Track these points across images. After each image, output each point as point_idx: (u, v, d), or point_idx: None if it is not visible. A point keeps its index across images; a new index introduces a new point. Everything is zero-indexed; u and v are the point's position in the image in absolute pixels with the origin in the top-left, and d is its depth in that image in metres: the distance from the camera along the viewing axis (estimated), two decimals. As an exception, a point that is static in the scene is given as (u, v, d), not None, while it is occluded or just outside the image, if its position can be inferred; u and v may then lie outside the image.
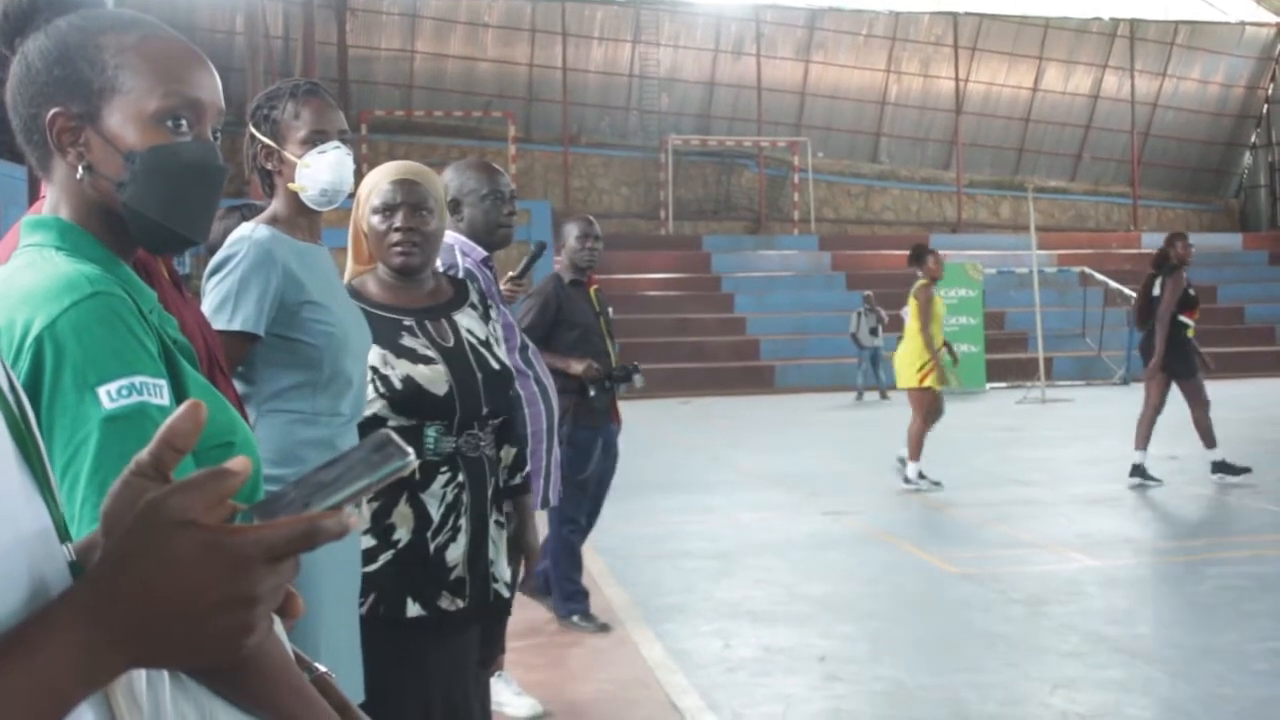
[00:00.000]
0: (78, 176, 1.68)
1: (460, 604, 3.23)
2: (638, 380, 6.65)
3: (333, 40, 31.91)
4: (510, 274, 5.24)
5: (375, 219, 3.27)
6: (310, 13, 27.60)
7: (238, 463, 0.92)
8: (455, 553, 3.23)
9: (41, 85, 1.68)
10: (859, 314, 24.05)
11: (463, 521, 3.26)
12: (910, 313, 11.40)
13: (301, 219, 2.94)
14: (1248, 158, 41.39)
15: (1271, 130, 40.34)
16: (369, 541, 3.13)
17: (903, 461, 11.52)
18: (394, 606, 3.14)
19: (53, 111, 1.66)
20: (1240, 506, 10.06)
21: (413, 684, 3.17)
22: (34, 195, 1.78)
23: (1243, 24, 38.62)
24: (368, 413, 3.14)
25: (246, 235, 2.83)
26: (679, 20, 35.87)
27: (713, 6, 35.93)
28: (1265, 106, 40.36)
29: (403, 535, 3.17)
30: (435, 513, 3.21)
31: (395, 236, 3.25)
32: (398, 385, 3.17)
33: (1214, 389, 11.34)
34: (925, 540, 8.85)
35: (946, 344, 11.43)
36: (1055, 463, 13.19)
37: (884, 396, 23.58)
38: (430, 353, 3.25)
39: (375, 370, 3.15)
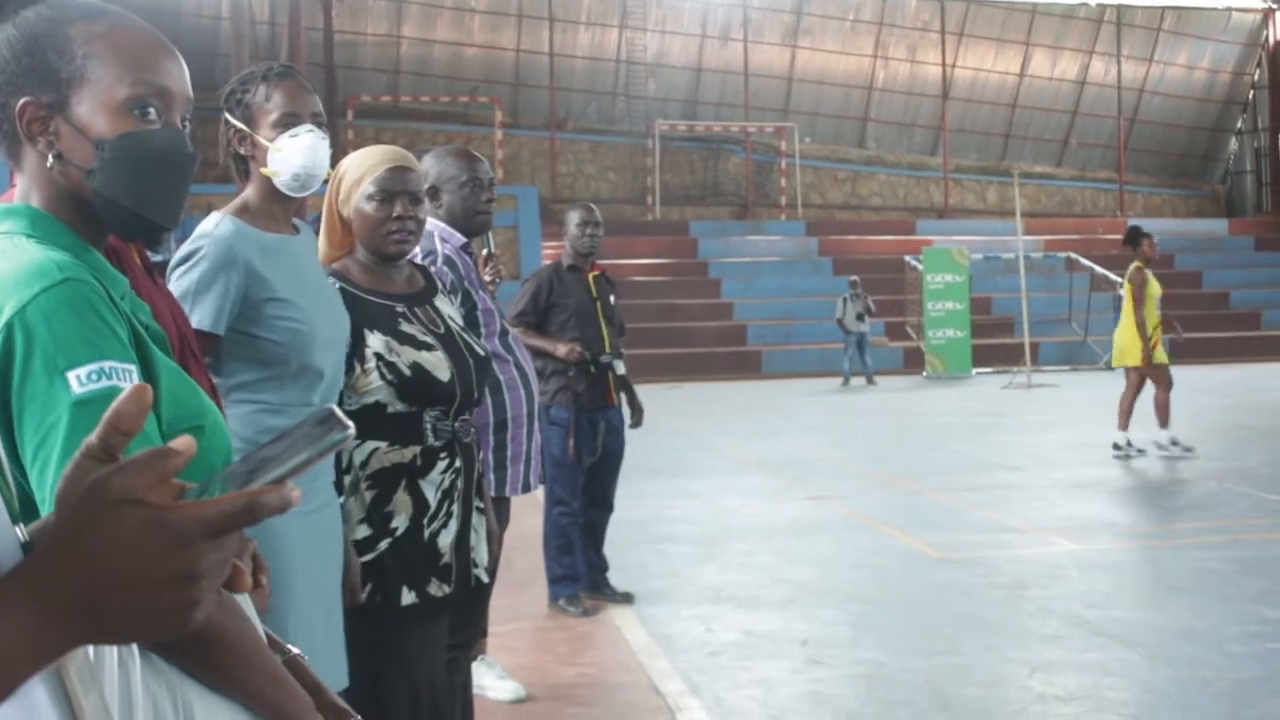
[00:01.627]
0: (48, 165, 1.69)
1: (446, 590, 3.23)
2: (618, 366, 6.69)
3: (319, 26, 31.76)
4: (485, 251, 5.24)
5: (370, 205, 3.21)
6: (296, -2, 27.48)
7: (181, 442, 0.93)
8: (446, 539, 3.23)
9: (10, 75, 1.68)
10: (845, 299, 24.04)
11: (455, 508, 3.27)
12: (1125, 293, 11.95)
13: (275, 206, 2.89)
14: (1234, 143, 41.46)
15: (1258, 116, 40.40)
16: (365, 531, 3.12)
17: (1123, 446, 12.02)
18: (391, 595, 3.13)
19: (22, 101, 1.67)
20: (1221, 491, 10.11)
21: (400, 670, 3.17)
22: (4, 183, 1.79)
23: (1229, 9, 38.66)
24: (369, 400, 3.14)
25: (209, 232, 2.79)
26: (666, 5, 35.80)
27: (700, -9, 35.89)
28: (1251, 92, 40.42)
29: (400, 523, 3.16)
30: (433, 500, 3.21)
31: (394, 225, 3.23)
32: (406, 372, 3.15)
33: (1199, 374, 11.44)
34: (908, 525, 8.88)
35: (1166, 320, 11.98)
36: (1039, 447, 13.24)
37: (870, 382, 23.62)
38: (429, 339, 3.24)
39: (380, 357, 3.13)
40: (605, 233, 7.16)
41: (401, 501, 3.16)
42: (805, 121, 36.56)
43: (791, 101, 37.01)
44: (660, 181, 34.61)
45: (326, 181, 3.10)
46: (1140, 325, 11.57)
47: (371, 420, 3.12)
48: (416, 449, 3.18)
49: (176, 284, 2.72)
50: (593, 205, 6.95)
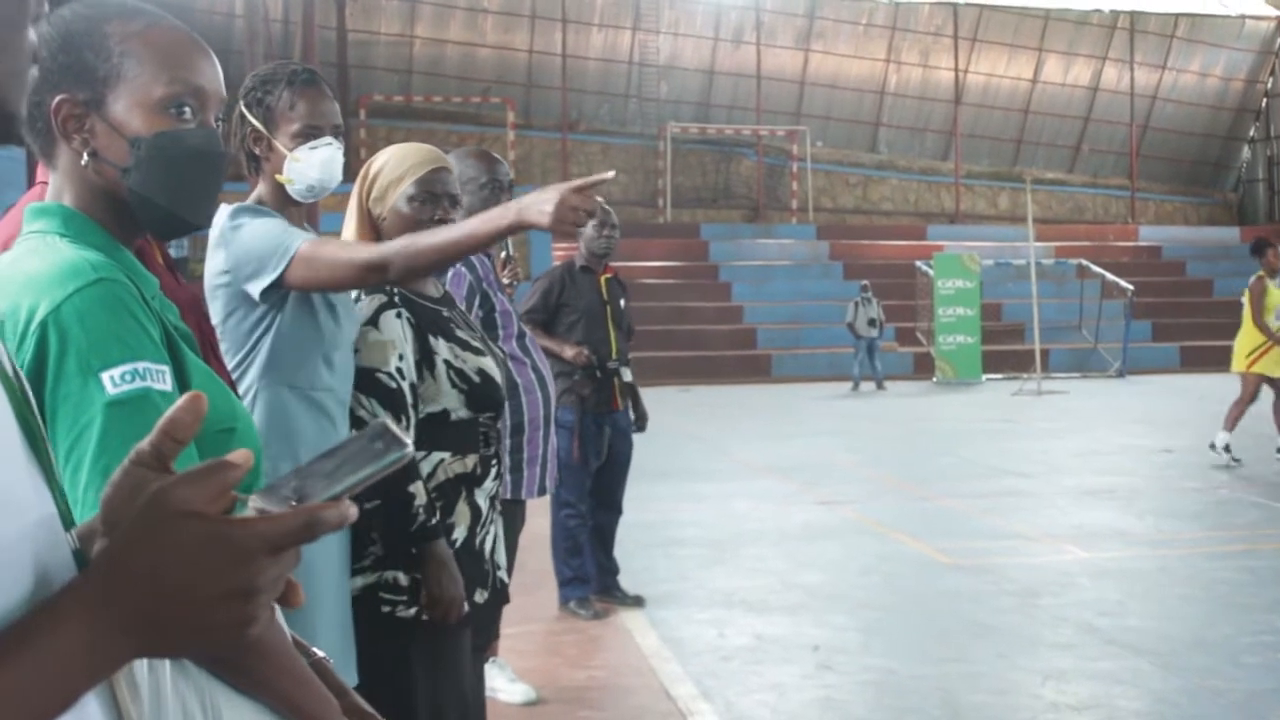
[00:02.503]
0: (83, 163, 1.70)
1: (485, 595, 3.22)
2: (625, 374, 6.68)
3: (332, 25, 31.81)
4: (504, 254, 5.27)
5: (412, 206, 3.15)
6: (310, -3, 27.51)
7: (240, 455, 0.93)
8: (488, 545, 3.23)
9: (46, 73, 1.69)
10: (856, 304, 24.03)
11: (495, 514, 3.27)
12: (1245, 302, 12.18)
13: (290, 207, 2.89)
14: (1246, 151, 41.36)
15: (1270, 124, 40.31)
16: None
17: None
18: (462, 607, 3.09)
19: (58, 99, 1.68)
20: (1234, 500, 10.09)
21: (452, 681, 3.15)
22: (32, 178, 1.79)
23: (1243, 17, 38.58)
24: (434, 408, 3.10)
25: (244, 206, 2.82)
26: (679, 8, 35.80)
27: (713, -6, 35.87)
28: (1264, 100, 40.33)
29: (460, 534, 3.13)
30: (484, 507, 3.20)
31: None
32: (475, 379, 3.13)
33: (1209, 382, 11.42)
34: (918, 531, 8.87)
35: None
36: (1050, 455, 13.21)
37: (880, 387, 23.59)
38: (479, 345, 3.23)
39: (449, 364, 3.10)
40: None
41: (462, 512, 3.14)
42: (817, 125, 36.53)
43: (804, 105, 37.00)
44: (672, 184, 34.60)
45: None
46: (1264, 331, 11.72)
47: (434, 430, 3.09)
48: (475, 457, 3.16)
49: (251, 235, 2.72)
50: (609, 207, 6.94)
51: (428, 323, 3.13)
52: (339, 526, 0.91)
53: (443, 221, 3.15)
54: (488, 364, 3.19)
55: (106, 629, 0.88)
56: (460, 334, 3.19)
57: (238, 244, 2.72)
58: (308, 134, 2.83)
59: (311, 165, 2.82)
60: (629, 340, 6.89)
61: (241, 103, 2.86)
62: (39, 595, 0.92)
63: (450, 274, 4.16)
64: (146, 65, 1.70)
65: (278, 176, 2.82)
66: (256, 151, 2.86)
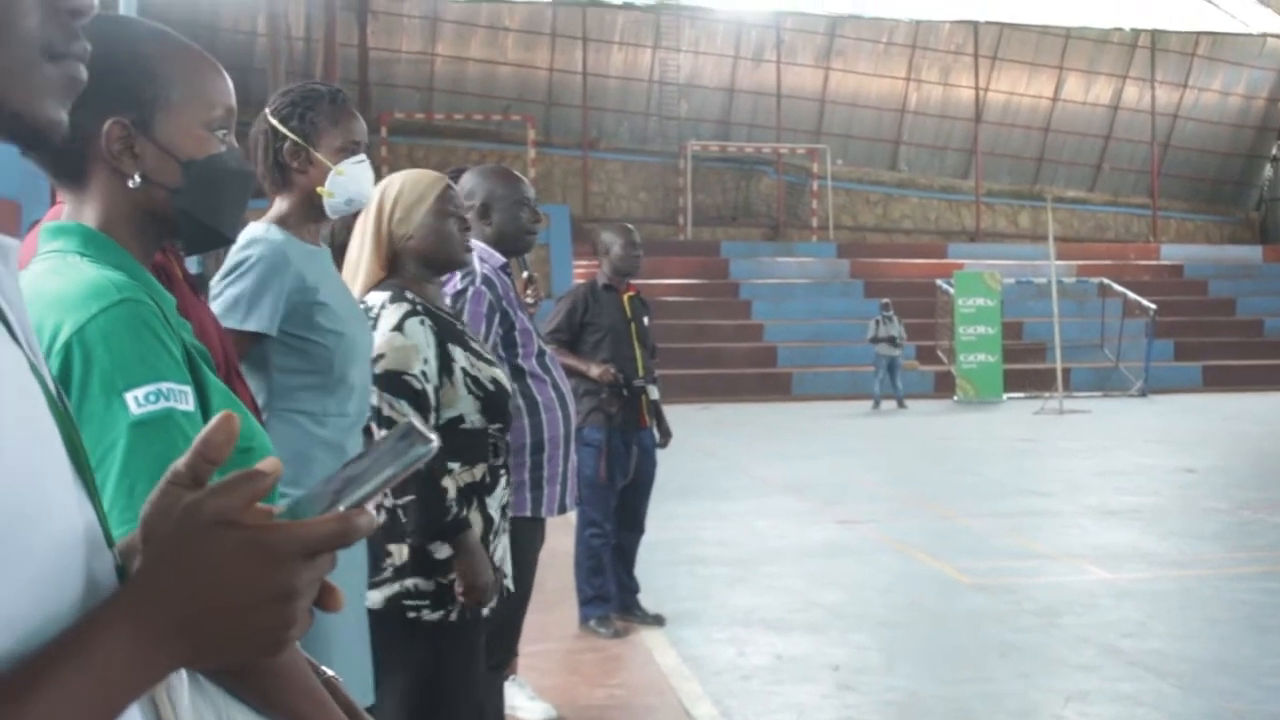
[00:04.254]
0: (131, 185, 1.71)
1: (494, 604, 3.29)
2: (652, 391, 6.68)
3: (354, 42, 31.96)
4: (526, 274, 5.30)
5: (444, 221, 3.32)
6: (332, 15, 27.65)
7: (269, 464, 0.95)
8: (499, 554, 3.31)
9: (88, 93, 1.69)
10: (877, 321, 23.99)
11: (505, 523, 3.36)
12: None
13: (310, 223, 2.94)
14: (1268, 170, 41.23)
15: (1292, 143, 40.20)
16: (447, 550, 3.16)
17: None
18: (470, 613, 3.19)
19: (111, 121, 1.69)
20: (1256, 521, 10.03)
21: (467, 688, 3.24)
22: (55, 196, 1.81)
23: (1264, 36, 38.46)
24: (450, 414, 3.21)
25: (260, 237, 2.83)
26: (699, 26, 35.89)
27: (733, 13, 35.92)
28: (1286, 119, 40.23)
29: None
30: (495, 515, 3.29)
31: (464, 239, 3.41)
32: (490, 387, 3.25)
33: (1232, 402, 11.37)
34: (939, 550, 8.84)
35: None
36: (1071, 474, 13.16)
37: (900, 405, 23.54)
38: (491, 357, 3.36)
39: (466, 372, 3.22)
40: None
41: (474, 521, 3.22)
42: (837, 143, 36.55)
43: (824, 123, 37.03)
44: (692, 202, 34.63)
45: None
46: None
47: (447, 438, 3.17)
48: (484, 466, 3.25)
49: (230, 289, 2.76)
50: (631, 227, 6.97)
51: (446, 331, 3.24)
52: (369, 532, 0.93)
53: (466, 230, 3.38)
54: (500, 375, 3.31)
55: (149, 640, 0.89)
56: (474, 345, 3.32)
57: (223, 296, 2.77)
58: (349, 149, 2.91)
59: (355, 180, 2.90)
60: (653, 358, 6.89)
61: (274, 118, 2.89)
62: (89, 602, 0.94)
63: (470, 291, 4.16)
64: (191, 88, 1.75)
65: (319, 190, 2.86)
66: (294, 165, 2.89)
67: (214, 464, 0.97)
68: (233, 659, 0.94)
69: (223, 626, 0.90)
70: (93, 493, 1.03)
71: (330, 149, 2.89)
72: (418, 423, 0.98)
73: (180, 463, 0.98)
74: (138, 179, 1.71)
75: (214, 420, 0.97)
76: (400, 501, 3.12)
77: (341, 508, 0.93)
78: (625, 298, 6.76)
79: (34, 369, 0.95)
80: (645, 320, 6.84)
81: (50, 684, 0.85)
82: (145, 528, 0.98)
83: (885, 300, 25.02)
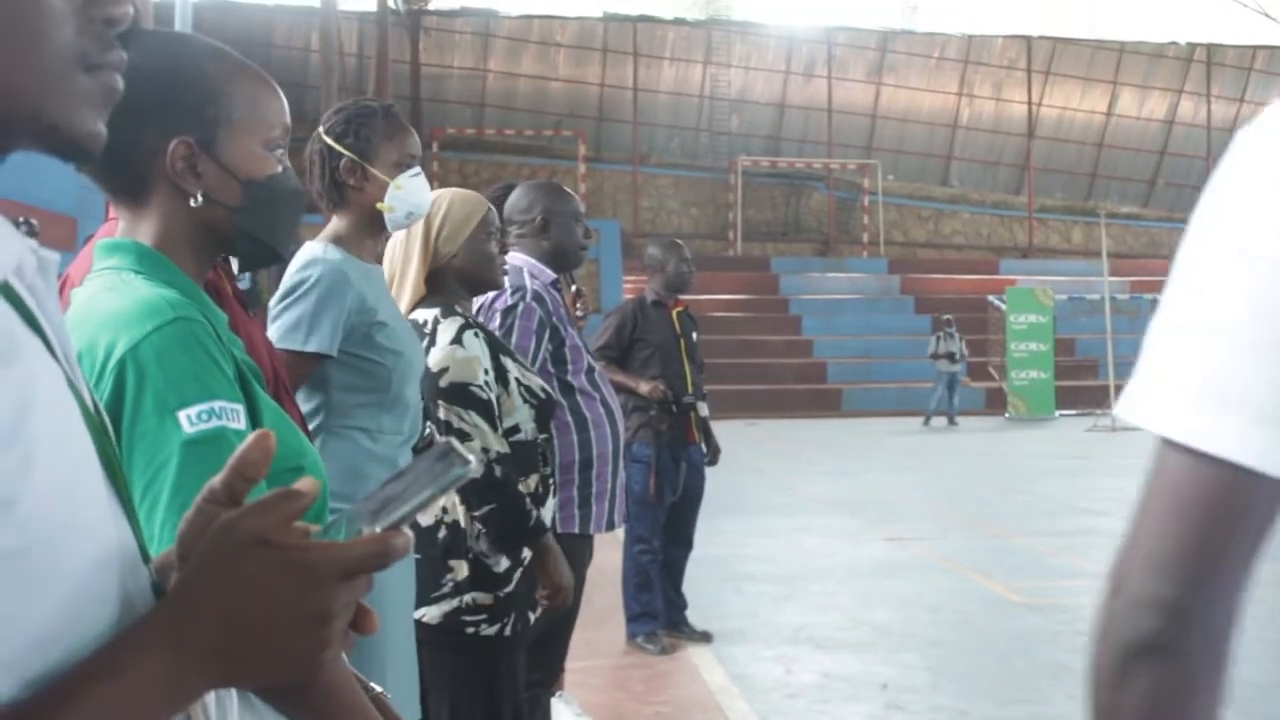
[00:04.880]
0: (194, 204, 1.73)
1: (534, 614, 3.34)
2: (702, 408, 6.68)
3: (406, 59, 32.18)
4: (574, 288, 5.33)
5: (488, 243, 3.38)
6: (384, 31, 27.85)
7: (306, 483, 0.94)
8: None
9: (151, 111, 1.71)
10: (938, 337, 23.79)
11: (553, 535, 3.38)
12: None
13: (368, 239, 2.96)
14: (1326, 185, 40.73)
15: (1351, 158, 39.67)
16: (505, 562, 3.19)
17: None
18: (523, 621, 3.24)
19: (177, 141, 1.71)
20: (1313, 541, 9.90)
21: (511, 694, 3.26)
22: (110, 211, 1.83)
23: (1323, 50, 38.09)
24: (509, 423, 3.24)
25: (319, 258, 2.85)
26: (750, 42, 35.90)
27: (784, 28, 35.95)
28: (1345, 134, 39.71)
29: (528, 553, 3.26)
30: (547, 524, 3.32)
31: (502, 260, 3.51)
32: (541, 395, 3.32)
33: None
34: (990, 569, 8.77)
35: None
36: (1124, 492, 12.99)
37: (952, 422, 23.39)
38: (531, 369, 3.43)
39: (519, 381, 3.27)
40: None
41: (545, 520, 3.27)
42: (889, 159, 36.44)
43: (875, 138, 36.92)
44: (742, 217, 34.61)
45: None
46: None
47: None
48: (536, 476, 3.29)
49: (290, 311, 2.77)
50: (680, 242, 6.97)
51: (495, 344, 3.30)
52: (406, 553, 0.92)
53: (504, 253, 3.52)
54: (544, 385, 3.38)
55: (185, 659, 0.89)
56: (518, 358, 3.38)
57: (283, 318, 2.79)
58: (405, 164, 2.93)
59: (414, 192, 2.93)
60: (701, 373, 6.88)
61: (329, 136, 2.91)
62: (124, 621, 0.93)
63: (520, 307, 4.17)
64: (250, 107, 1.76)
65: (379, 205, 2.88)
66: (351, 182, 2.90)
67: (251, 482, 0.97)
68: (268, 680, 0.94)
69: (258, 647, 0.89)
70: (129, 510, 1.03)
71: (386, 164, 2.91)
72: (456, 444, 0.98)
73: (216, 480, 0.98)
74: (200, 198, 1.73)
75: (250, 438, 0.97)
76: (478, 513, 3.14)
77: (379, 529, 0.93)
78: (674, 313, 6.76)
79: (71, 385, 0.95)
80: (694, 336, 6.83)
81: (84, 704, 0.85)
82: (182, 546, 0.99)
83: (947, 316, 24.85)
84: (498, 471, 3.11)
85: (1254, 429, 0.95)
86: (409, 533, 0.93)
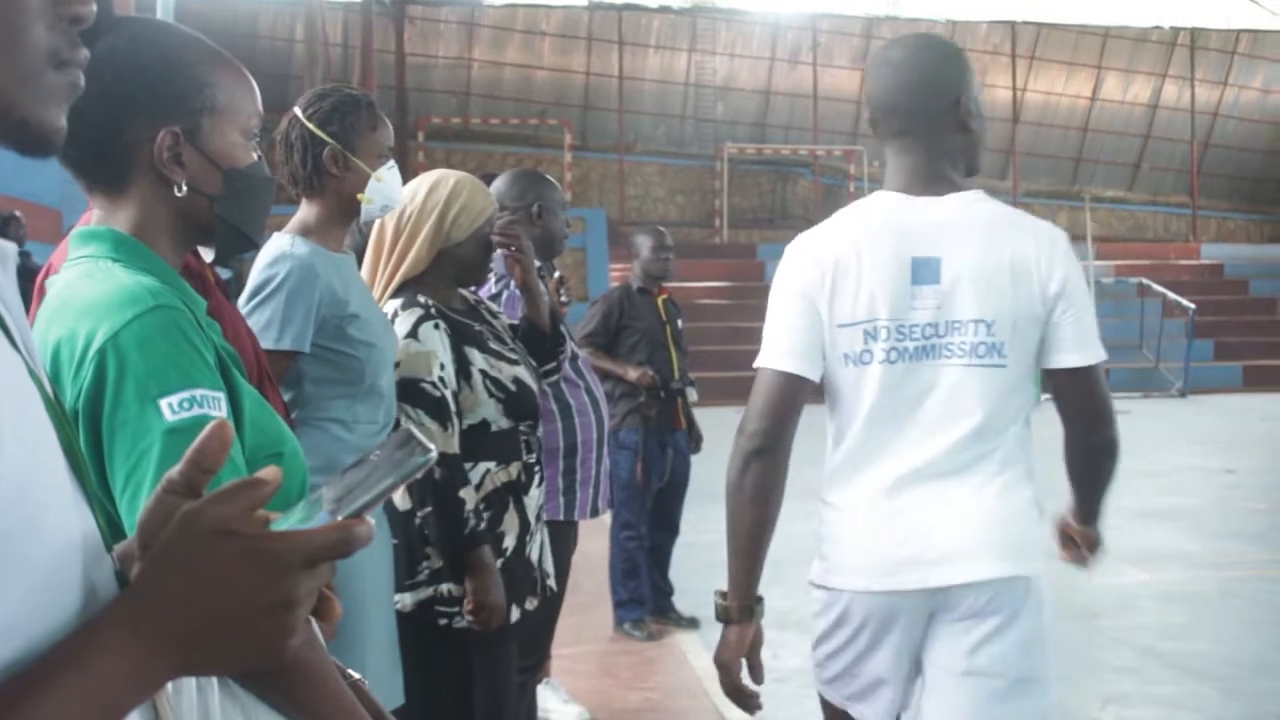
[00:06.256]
0: (179, 193, 1.73)
1: (535, 603, 3.29)
2: (691, 394, 6.70)
3: (391, 48, 32.08)
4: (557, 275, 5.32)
5: (485, 237, 3.36)
6: (369, 21, 27.78)
7: (269, 472, 0.94)
8: (535, 553, 3.31)
9: (139, 100, 1.71)
10: None
11: (541, 523, 3.37)
12: None
13: (337, 229, 2.94)
14: (1310, 168, 40.87)
15: (1334, 140, 39.81)
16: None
17: None
18: (505, 614, 3.18)
19: (164, 131, 1.71)
20: (1298, 522, 9.95)
21: (498, 687, 3.24)
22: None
23: (1306, 33, 38.16)
24: (474, 419, 3.18)
25: (287, 253, 2.83)
26: (735, 29, 35.85)
27: (769, 15, 35.87)
28: (1328, 116, 39.85)
29: (510, 542, 3.22)
30: (531, 516, 3.28)
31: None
32: (511, 387, 3.23)
33: (1272, 402, 11.25)
34: (977, 552, 8.78)
35: None
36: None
37: None
38: (513, 355, 3.33)
39: (485, 374, 3.19)
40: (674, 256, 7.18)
41: (511, 521, 3.22)
42: (874, 145, 36.30)
43: (861, 125, 36.85)
44: (728, 204, 34.59)
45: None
46: None
47: (477, 440, 3.17)
48: (519, 464, 3.24)
49: (260, 311, 2.75)
50: (663, 229, 6.98)
51: (461, 335, 3.22)
52: (368, 541, 0.92)
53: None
54: (522, 373, 3.28)
55: (149, 648, 0.89)
56: (493, 345, 3.28)
57: (253, 317, 2.75)
58: (385, 156, 2.94)
59: (392, 185, 2.93)
60: (686, 359, 6.90)
61: (312, 123, 2.89)
62: (88, 610, 0.94)
63: (505, 295, 4.18)
64: (231, 96, 1.77)
65: (359, 196, 2.87)
66: (334, 171, 2.89)
67: (209, 473, 0.97)
68: (233, 667, 0.94)
69: (222, 635, 0.90)
70: (92, 499, 1.03)
71: (369, 155, 2.90)
72: (416, 432, 0.98)
73: (174, 471, 0.98)
74: (184, 187, 1.73)
75: (206, 429, 0.97)
76: (421, 513, 3.10)
77: (340, 516, 0.93)
78: (659, 300, 6.77)
79: (32, 374, 0.95)
80: (679, 323, 6.85)
81: (49, 692, 0.85)
82: (142, 535, 0.99)
83: None
84: (438, 474, 3.04)
85: (790, 359, 2.62)
86: (371, 521, 0.94)
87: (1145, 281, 28.94)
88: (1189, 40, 37.78)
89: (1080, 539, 3.09)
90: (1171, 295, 27.67)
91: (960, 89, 2.94)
